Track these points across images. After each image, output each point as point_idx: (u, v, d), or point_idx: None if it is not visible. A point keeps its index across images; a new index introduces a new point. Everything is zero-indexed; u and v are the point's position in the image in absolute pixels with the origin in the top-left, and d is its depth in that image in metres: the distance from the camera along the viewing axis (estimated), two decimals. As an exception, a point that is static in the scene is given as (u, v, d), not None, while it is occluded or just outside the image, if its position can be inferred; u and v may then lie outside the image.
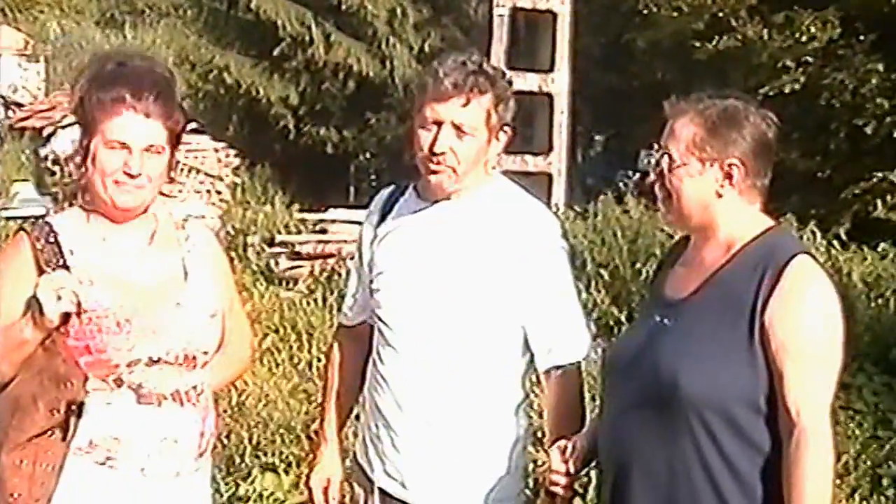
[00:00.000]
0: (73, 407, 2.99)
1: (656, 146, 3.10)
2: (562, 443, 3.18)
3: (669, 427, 2.95)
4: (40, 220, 3.23)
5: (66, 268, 3.06)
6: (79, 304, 2.94)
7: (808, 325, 2.91)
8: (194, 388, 3.16)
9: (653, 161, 3.10)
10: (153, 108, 3.09)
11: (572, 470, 3.15)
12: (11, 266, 3.11)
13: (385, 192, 3.63)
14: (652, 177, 3.11)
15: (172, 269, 3.21)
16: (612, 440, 3.10)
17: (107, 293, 3.05)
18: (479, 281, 3.35)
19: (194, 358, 3.15)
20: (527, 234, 3.39)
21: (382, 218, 3.56)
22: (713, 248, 3.07)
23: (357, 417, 3.78)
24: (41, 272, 3.03)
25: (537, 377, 3.49)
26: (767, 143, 3.07)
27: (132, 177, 3.08)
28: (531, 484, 4.32)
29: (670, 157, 3.05)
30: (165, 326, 3.11)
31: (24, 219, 11.75)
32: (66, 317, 2.95)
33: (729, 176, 3.02)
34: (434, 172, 3.35)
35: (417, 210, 3.47)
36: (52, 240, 3.11)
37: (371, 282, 3.53)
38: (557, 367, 3.38)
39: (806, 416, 2.86)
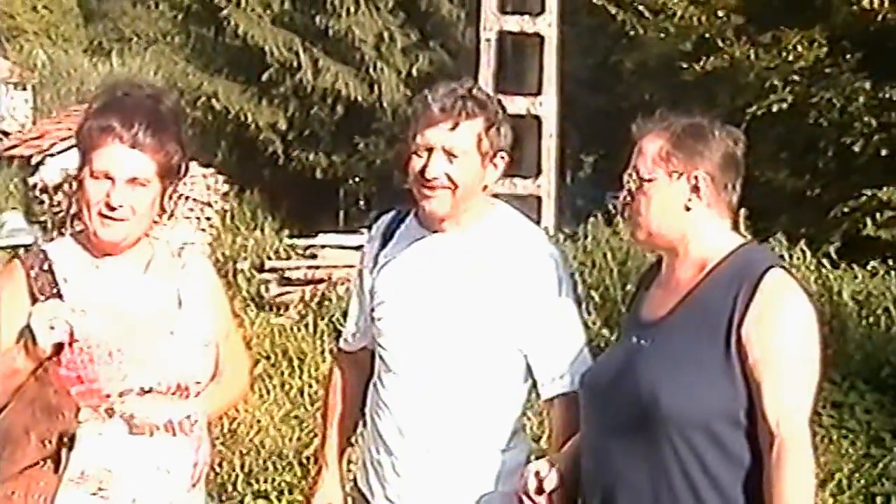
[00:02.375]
0: (65, 439, 2.97)
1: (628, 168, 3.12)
2: (537, 466, 3.16)
3: (652, 447, 2.95)
4: (34, 248, 3.21)
5: (60, 296, 3.04)
6: (71, 334, 2.93)
7: (784, 336, 2.92)
8: (188, 417, 3.14)
9: (625, 182, 3.11)
10: (141, 140, 3.06)
11: (547, 488, 3.12)
12: (4, 294, 3.09)
13: (387, 218, 3.62)
14: (624, 197, 3.12)
15: (167, 297, 3.19)
16: (595, 463, 3.09)
17: (99, 323, 3.02)
18: (480, 310, 3.35)
19: (187, 388, 3.13)
20: (529, 264, 3.38)
21: (384, 244, 3.54)
22: (686, 268, 3.08)
23: (356, 443, 3.76)
24: (34, 300, 3.02)
25: (529, 402, 3.49)
26: (734, 157, 3.09)
27: (112, 209, 3.06)
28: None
29: (638, 174, 3.07)
30: (158, 356, 3.08)
31: (13, 248, 11.73)
32: (58, 346, 2.94)
33: (696, 189, 3.03)
34: (427, 198, 3.34)
35: (419, 238, 3.46)
36: (45, 268, 3.09)
37: (372, 309, 3.52)
38: (562, 395, 3.37)
39: (785, 428, 2.86)
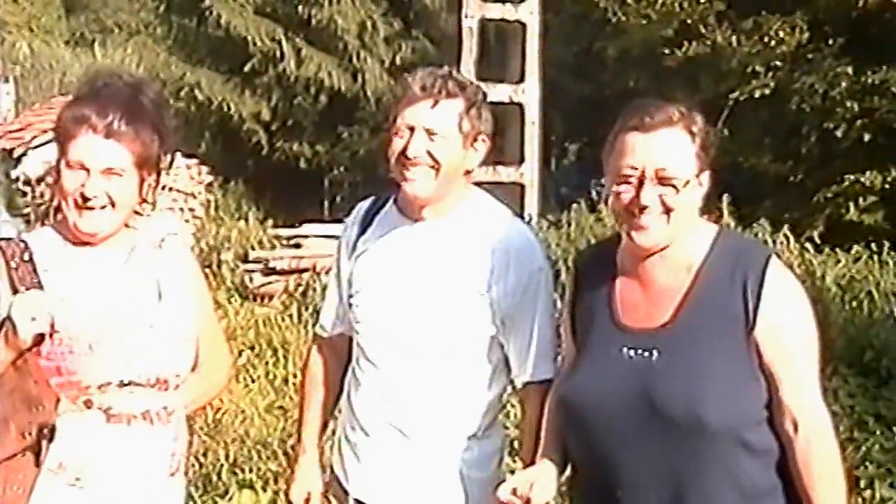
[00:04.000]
0: (45, 430, 2.96)
1: (635, 164, 2.90)
2: (515, 481, 3.08)
3: (698, 458, 2.88)
4: (15, 238, 3.20)
5: (41, 287, 3.02)
6: (52, 325, 2.92)
7: (797, 329, 2.93)
8: (165, 408, 3.13)
9: (647, 184, 2.90)
10: (115, 129, 3.04)
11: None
12: None
13: (364, 205, 3.61)
14: (651, 199, 2.89)
15: (147, 290, 3.18)
16: (616, 482, 2.96)
17: (80, 314, 3.01)
18: (457, 298, 3.35)
19: (166, 381, 3.12)
20: (506, 253, 3.37)
21: (362, 231, 3.54)
22: (668, 269, 2.98)
23: (334, 431, 3.76)
24: (15, 290, 3.00)
25: (514, 388, 3.49)
26: None
27: (86, 199, 3.04)
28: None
29: (676, 175, 2.89)
30: (138, 349, 3.07)
31: (-4, 240, 11.68)
32: (39, 338, 2.93)
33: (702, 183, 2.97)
34: (409, 180, 3.33)
35: (398, 226, 3.46)
36: (26, 258, 3.07)
37: (350, 296, 3.52)
38: (535, 384, 3.37)
39: (811, 416, 2.89)
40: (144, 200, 3.17)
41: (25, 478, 2.96)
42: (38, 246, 3.11)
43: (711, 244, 2.98)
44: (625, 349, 2.97)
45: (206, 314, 3.36)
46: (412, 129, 3.30)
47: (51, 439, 2.96)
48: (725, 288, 2.91)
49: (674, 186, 2.89)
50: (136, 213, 3.21)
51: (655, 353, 2.93)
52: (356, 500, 3.49)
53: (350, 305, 3.50)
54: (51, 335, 2.94)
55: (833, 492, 2.91)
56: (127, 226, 3.20)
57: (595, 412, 3.00)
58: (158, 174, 3.19)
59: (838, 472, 2.94)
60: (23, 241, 3.13)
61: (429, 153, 3.30)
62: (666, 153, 2.90)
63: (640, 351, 2.95)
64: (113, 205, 3.08)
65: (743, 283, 2.90)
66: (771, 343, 2.89)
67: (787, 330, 2.91)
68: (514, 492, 3.02)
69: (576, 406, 3.05)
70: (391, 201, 3.50)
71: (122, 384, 3.04)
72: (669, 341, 2.93)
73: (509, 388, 3.52)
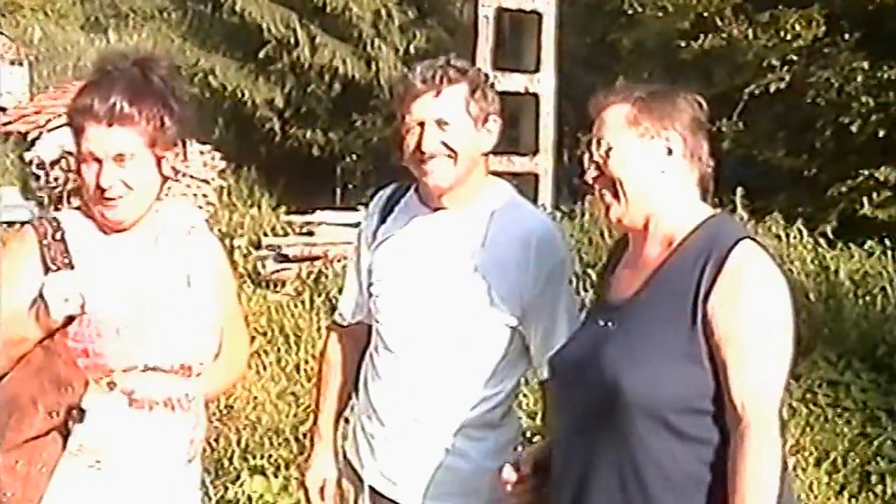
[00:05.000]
0: (74, 412, 2.96)
1: (589, 142, 2.97)
2: (517, 459, 3.09)
3: (618, 436, 2.79)
4: (48, 216, 3.18)
5: (72, 267, 3.02)
6: (82, 307, 2.92)
7: (750, 312, 2.74)
8: (186, 395, 3.13)
9: (587, 156, 2.96)
10: (118, 114, 3.02)
11: (527, 472, 3.04)
12: (15, 260, 3.07)
13: (385, 193, 3.61)
14: (592, 173, 2.95)
15: (176, 277, 3.17)
16: (564, 455, 2.95)
17: (109, 297, 2.99)
18: (478, 289, 3.35)
19: (190, 368, 3.13)
20: (528, 244, 3.37)
21: (382, 220, 3.54)
22: (653, 245, 2.93)
23: (347, 418, 3.77)
24: (46, 269, 3.00)
25: (526, 379, 3.49)
26: (702, 123, 2.96)
27: (104, 190, 3.03)
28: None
29: (607, 144, 2.92)
30: (164, 335, 3.08)
31: (9, 224, 11.71)
32: (69, 318, 2.93)
33: (669, 151, 2.90)
34: (428, 173, 3.34)
35: (418, 214, 3.46)
36: (58, 237, 3.06)
37: (370, 284, 3.52)
38: None
39: (751, 410, 2.69)
40: (168, 178, 3.15)
41: (49, 457, 2.98)
42: (69, 226, 3.10)
43: (699, 224, 2.91)
44: (599, 320, 2.97)
45: (230, 303, 3.37)
46: (422, 124, 3.32)
47: (80, 420, 2.96)
48: (689, 265, 2.82)
49: None
50: (163, 190, 3.18)
51: (612, 323, 2.91)
52: (371, 487, 3.49)
53: (370, 294, 3.51)
54: (80, 316, 2.94)
55: (757, 497, 2.65)
56: (152, 207, 3.16)
57: (557, 380, 3.07)
58: (184, 145, 3.16)
59: (768, 481, 2.67)
60: (55, 219, 3.12)
61: (444, 144, 3.30)
62: None
63: (604, 321, 2.94)
64: (131, 190, 3.06)
65: (706, 260, 2.79)
66: (718, 323, 2.74)
67: (739, 311, 2.74)
68: (516, 467, 3.03)
69: (551, 375, 3.14)
70: (412, 189, 3.49)
71: (146, 369, 3.04)
72: (625, 312, 2.90)
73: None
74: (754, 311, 2.76)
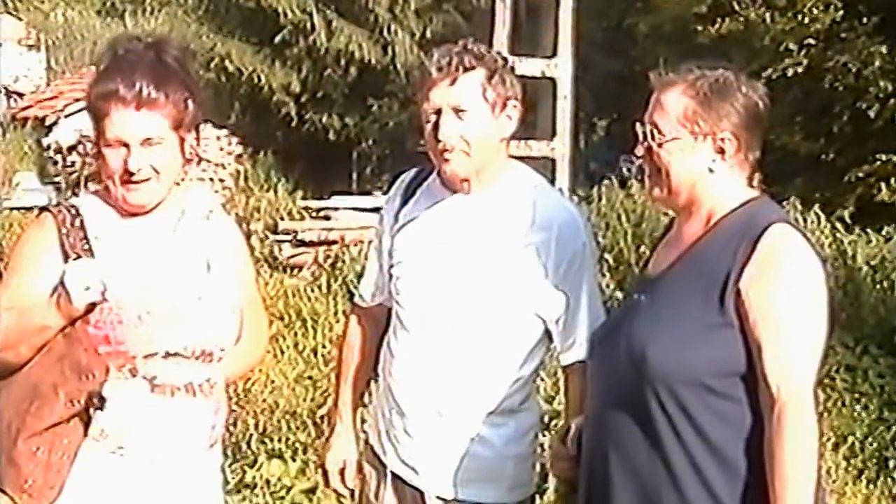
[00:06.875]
0: (95, 399, 2.96)
1: (644, 120, 3.00)
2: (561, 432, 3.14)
3: (643, 407, 2.84)
4: (66, 202, 3.18)
5: (92, 254, 3.02)
6: (103, 294, 2.92)
7: (784, 293, 2.78)
8: (207, 380, 3.14)
9: (640, 135, 3.00)
10: (146, 98, 3.01)
11: (573, 452, 3.10)
12: (35, 247, 3.07)
13: (407, 177, 3.62)
14: (640, 151, 3.00)
15: (196, 262, 3.17)
16: (593, 428, 3.01)
17: (130, 284, 3.00)
18: (500, 273, 3.35)
19: (211, 353, 3.13)
20: (549, 229, 3.37)
21: (404, 203, 3.55)
22: (694, 223, 2.98)
23: (369, 402, 3.77)
24: (66, 256, 3.00)
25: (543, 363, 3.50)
26: (759, 115, 2.99)
27: (131, 174, 3.03)
28: (540, 469, 4.32)
29: (659, 131, 2.96)
30: (185, 321, 3.08)
31: (27, 209, 11.74)
32: (91, 306, 2.93)
33: (721, 151, 2.94)
34: (446, 161, 3.34)
35: (440, 198, 3.46)
36: (77, 224, 3.06)
37: (391, 267, 3.52)
38: (580, 363, 3.35)
39: (786, 390, 2.71)
40: (189, 160, 3.15)
41: (70, 444, 2.98)
42: (87, 212, 3.10)
43: (739, 205, 2.95)
44: (634, 294, 3.04)
45: (249, 288, 3.37)
46: (439, 112, 3.31)
47: (101, 408, 2.96)
48: (723, 243, 2.88)
49: None
50: (184, 170, 3.18)
51: (644, 296, 2.97)
52: (393, 473, 3.50)
53: (391, 276, 3.51)
54: (101, 304, 2.94)
55: (796, 478, 2.68)
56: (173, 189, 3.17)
57: (591, 355, 3.15)
58: (198, 130, 3.17)
59: (807, 461, 2.70)
60: (73, 206, 3.11)
61: (461, 137, 3.29)
62: None
63: (638, 295, 3.01)
64: (158, 174, 3.06)
65: (739, 241, 2.84)
66: (752, 306, 2.77)
67: (774, 294, 2.77)
68: (562, 442, 3.12)
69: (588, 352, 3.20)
70: (434, 173, 3.50)
71: (167, 355, 3.05)
72: (657, 286, 2.97)
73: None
74: (788, 291, 2.79)
